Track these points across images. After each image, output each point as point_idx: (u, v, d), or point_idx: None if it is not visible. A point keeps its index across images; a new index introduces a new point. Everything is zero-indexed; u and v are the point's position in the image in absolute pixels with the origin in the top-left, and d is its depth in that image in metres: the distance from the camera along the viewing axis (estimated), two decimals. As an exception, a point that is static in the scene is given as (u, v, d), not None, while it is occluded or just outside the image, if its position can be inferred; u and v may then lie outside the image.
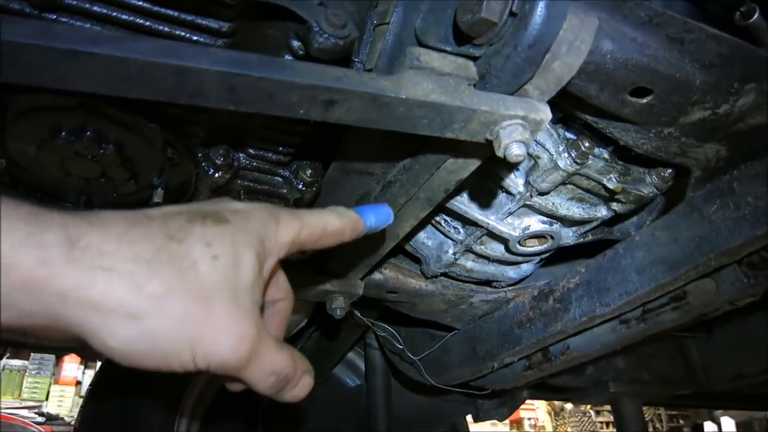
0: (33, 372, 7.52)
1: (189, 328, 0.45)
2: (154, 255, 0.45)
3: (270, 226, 0.53)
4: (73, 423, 6.15)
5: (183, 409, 1.76)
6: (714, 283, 1.03)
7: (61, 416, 7.02)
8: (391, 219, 0.69)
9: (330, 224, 0.59)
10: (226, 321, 0.47)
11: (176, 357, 0.45)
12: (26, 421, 6.18)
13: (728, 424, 7.75)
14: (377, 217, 0.67)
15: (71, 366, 7.71)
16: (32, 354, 7.41)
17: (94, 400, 1.69)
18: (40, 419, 6.66)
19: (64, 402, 7.42)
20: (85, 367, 7.69)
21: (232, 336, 0.47)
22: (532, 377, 1.40)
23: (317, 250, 0.61)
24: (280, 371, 0.51)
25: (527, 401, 2.08)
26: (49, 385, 7.58)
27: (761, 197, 0.84)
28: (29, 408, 7.00)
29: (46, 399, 7.45)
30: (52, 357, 7.49)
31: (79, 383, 7.68)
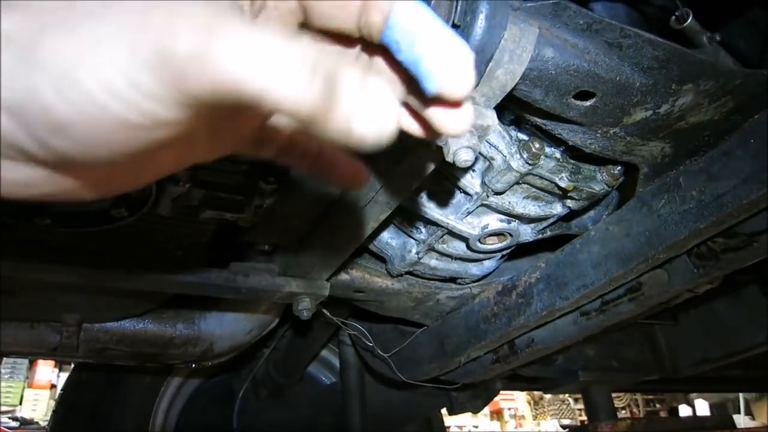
0: (6, 376, 7.41)
1: (89, 28, 0.29)
2: None
3: None
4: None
5: (157, 410, 1.77)
6: (666, 274, 1.07)
7: (35, 420, 6.94)
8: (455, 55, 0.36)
9: None
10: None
11: (88, 76, 0.28)
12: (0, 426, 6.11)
13: (703, 406, 7.93)
14: (434, 28, 0.36)
15: (45, 369, 7.61)
16: (4, 358, 7.30)
17: (66, 402, 1.69)
18: (14, 424, 6.58)
19: (39, 406, 7.34)
20: (60, 370, 7.59)
21: (162, 11, 0.29)
22: (499, 370, 1.44)
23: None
24: (290, 51, 0.29)
25: (506, 392, 2.12)
26: (23, 389, 7.49)
27: (705, 191, 0.89)
28: (3, 413, 6.91)
29: (20, 403, 7.36)
30: (26, 360, 7.39)
31: (53, 386, 7.58)
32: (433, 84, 0.36)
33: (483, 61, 0.64)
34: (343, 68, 0.31)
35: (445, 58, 0.36)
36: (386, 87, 0.32)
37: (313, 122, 0.31)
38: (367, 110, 0.31)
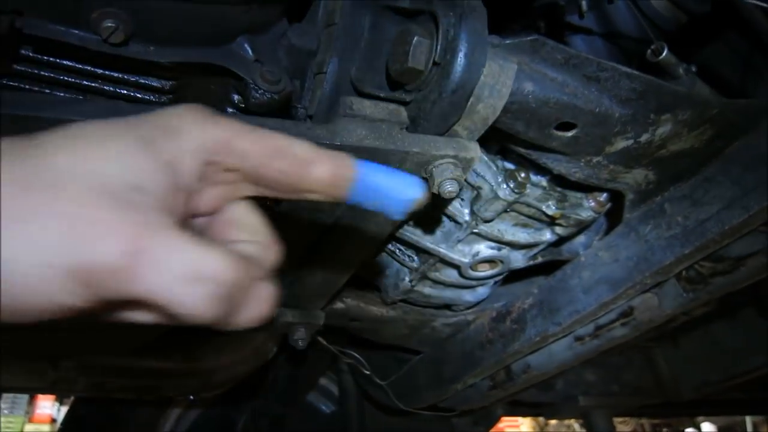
0: (5, 411, 7.34)
1: (27, 227, 0.32)
2: (20, 149, 0.35)
3: (185, 120, 0.40)
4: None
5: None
6: (657, 299, 1.09)
7: (37, 456, 6.84)
8: (413, 195, 0.45)
9: (293, 145, 0.42)
10: (80, 210, 0.33)
11: (21, 276, 0.32)
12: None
13: (710, 429, 7.80)
14: (386, 179, 0.45)
15: (45, 404, 7.53)
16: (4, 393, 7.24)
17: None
18: (16, 460, 6.50)
19: (39, 440, 7.24)
20: (60, 404, 7.52)
21: (92, 227, 0.33)
22: (497, 396, 1.44)
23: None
24: (207, 273, 0.34)
25: (510, 419, 2.11)
26: (23, 424, 7.40)
27: (689, 217, 0.90)
28: (4, 449, 6.82)
29: (21, 438, 7.26)
30: (26, 395, 7.33)
31: (54, 420, 7.50)
32: (398, 215, 0.46)
33: (463, 97, 0.67)
34: (248, 287, 0.37)
35: (404, 198, 0.45)
36: (272, 291, 0.40)
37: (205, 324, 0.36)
38: (254, 311, 0.39)
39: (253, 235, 0.44)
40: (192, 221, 0.43)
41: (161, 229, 0.34)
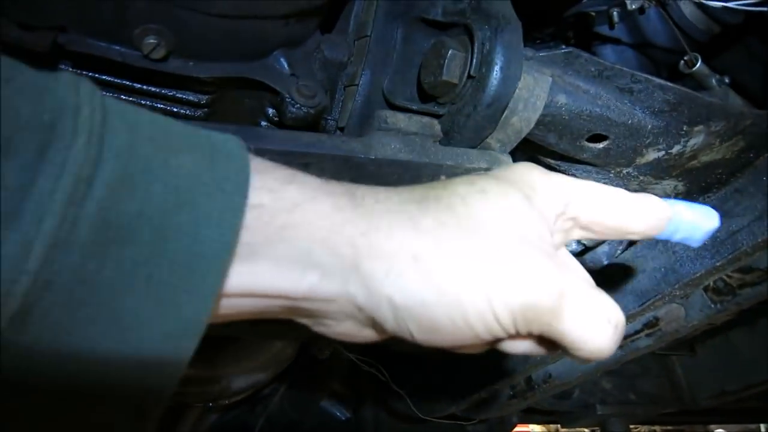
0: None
1: (474, 265, 0.38)
2: (422, 197, 0.41)
3: (535, 176, 0.45)
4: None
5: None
6: (683, 309, 1.08)
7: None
8: (713, 225, 0.49)
9: (618, 196, 0.46)
10: (516, 255, 0.38)
11: (471, 306, 0.37)
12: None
13: (722, 436, 7.71)
14: (690, 214, 0.48)
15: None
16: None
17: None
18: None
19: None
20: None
21: (531, 271, 0.38)
22: (516, 406, 1.43)
23: None
24: (615, 318, 0.40)
25: (521, 425, 2.10)
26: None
27: (719, 228, 0.89)
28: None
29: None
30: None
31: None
32: (698, 244, 0.50)
33: (498, 110, 0.66)
34: (621, 318, 0.41)
35: (705, 229, 0.48)
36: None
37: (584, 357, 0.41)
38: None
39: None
40: None
41: (567, 273, 0.40)
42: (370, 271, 0.37)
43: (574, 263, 0.48)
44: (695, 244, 0.49)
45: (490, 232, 0.39)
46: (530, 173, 0.45)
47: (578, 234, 0.47)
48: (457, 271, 0.37)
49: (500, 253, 0.38)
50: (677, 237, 0.48)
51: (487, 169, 0.69)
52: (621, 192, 0.46)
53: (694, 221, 0.47)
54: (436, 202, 0.40)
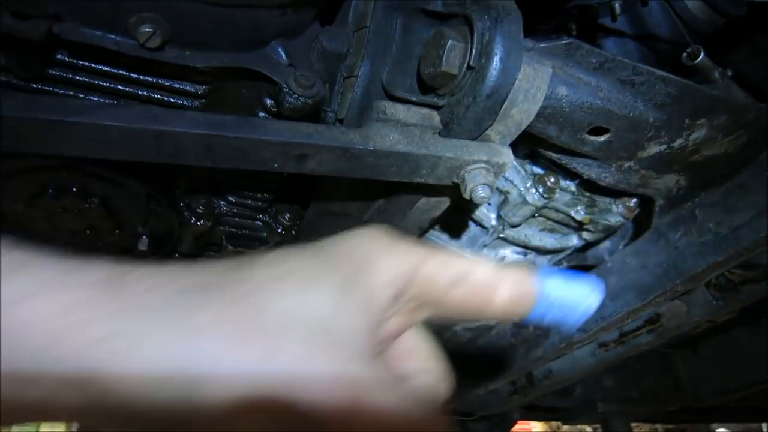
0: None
1: (246, 372, 0.33)
2: (212, 283, 0.36)
3: (373, 249, 0.40)
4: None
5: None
6: (685, 306, 1.07)
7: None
8: (592, 305, 0.42)
9: (475, 270, 0.41)
10: (304, 360, 0.34)
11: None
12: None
13: (725, 435, 7.71)
14: (565, 291, 0.41)
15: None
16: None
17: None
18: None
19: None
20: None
21: (317, 380, 0.33)
22: (517, 402, 1.43)
23: None
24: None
25: (522, 422, 2.09)
26: (39, 424, 7.46)
27: (721, 223, 0.89)
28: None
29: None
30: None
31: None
32: (575, 326, 0.43)
33: (498, 102, 0.66)
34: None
35: (582, 310, 0.42)
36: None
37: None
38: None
39: (425, 362, 0.44)
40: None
41: (371, 383, 0.34)
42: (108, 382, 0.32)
43: (419, 352, 0.43)
44: (572, 327, 0.44)
45: (279, 331, 0.34)
46: (367, 246, 0.40)
47: (426, 313, 0.42)
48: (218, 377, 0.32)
49: (283, 359, 0.33)
50: (548, 320, 0.42)
51: (487, 162, 0.69)
52: (478, 264, 0.41)
53: (566, 300, 0.41)
54: (224, 292, 0.35)
